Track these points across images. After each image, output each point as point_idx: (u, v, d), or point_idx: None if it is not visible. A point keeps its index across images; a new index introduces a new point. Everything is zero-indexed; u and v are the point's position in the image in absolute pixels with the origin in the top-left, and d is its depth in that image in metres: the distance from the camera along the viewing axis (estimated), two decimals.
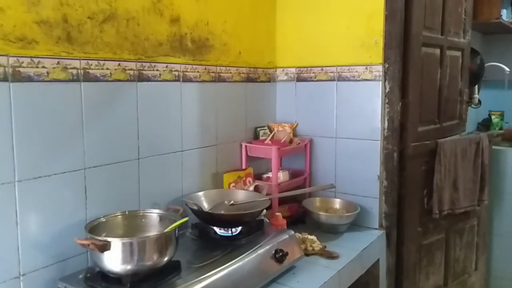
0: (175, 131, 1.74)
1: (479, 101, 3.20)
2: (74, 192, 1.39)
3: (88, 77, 1.40)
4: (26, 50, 1.24)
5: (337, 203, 2.14)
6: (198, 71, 1.82)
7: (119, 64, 1.50)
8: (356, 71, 2.04)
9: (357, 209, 2.01)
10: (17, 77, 1.22)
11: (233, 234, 1.61)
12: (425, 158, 2.22)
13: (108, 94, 1.48)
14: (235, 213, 1.69)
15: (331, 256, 1.74)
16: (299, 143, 2.18)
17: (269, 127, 2.27)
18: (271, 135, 2.18)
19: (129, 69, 1.53)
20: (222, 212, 1.69)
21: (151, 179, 1.64)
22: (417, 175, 2.18)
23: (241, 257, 1.43)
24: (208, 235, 1.62)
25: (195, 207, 1.61)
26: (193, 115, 1.82)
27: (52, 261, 1.33)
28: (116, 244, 1.20)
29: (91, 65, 1.41)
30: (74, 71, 1.36)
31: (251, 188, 1.95)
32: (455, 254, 2.52)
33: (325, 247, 1.81)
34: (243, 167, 2.08)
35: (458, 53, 2.47)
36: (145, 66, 1.59)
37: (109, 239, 1.21)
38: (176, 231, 1.33)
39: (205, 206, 1.72)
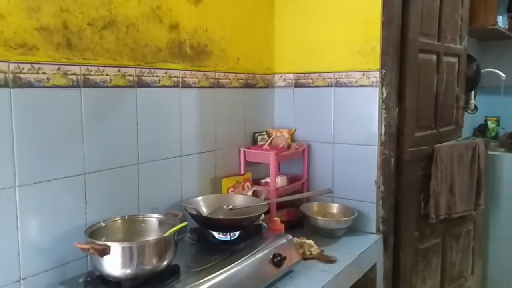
0: (174, 136, 1.75)
1: (475, 107, 3.23)
2: (74, 196, 1.39)
3: (88, 83, 1.41)
4: (27, 56, 1.25)
5: (334, 208, 2.16)
6: (197, 77, 1.83)
7: (118, 70, 1.51)
8: (354, 77, 2.06)
9: (355, 214, 2.02)
10: (18, 83, 1.23)
11: (232, 238, 1.62)
12: (422, 163, 2.23)
13: (108, 100, 1.49)
14: (233, 217, 1.70)
15: (329, 260, 1.75)
16: (297, 148, 2.19)
17: (267, 133, 2.29)
18: (269, 141, 2.19)
19: (129, 75, 1.55)
20: (221, 216, 1.70)
21: (150, 184, 1.65)
22: (414, 180, 2.19)
23: (239, 261, 1.44)
24: (207, 239, 1.63)
25: (194, 212, 1.61)
26: (192, 120, 1.83)
27: (52, 265, 1.34)
28: (116, 248, 1.21)
29: (91, 71, 1.42)
30: (74, 77, 1.37)
31: (250, 193, 1.96)
32: (452, 259, 2.53)
33: (323, 251, 1.82)
34: (242, 172, 2.09)
35: (455, 59, 2.49)
36: (144, 72, 1.60)
37: (108, 243, 1.22)
38: (175, 236, 1.34)
39: (204, 210, 1.73)
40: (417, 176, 2.22)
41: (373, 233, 2.06)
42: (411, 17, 2.04)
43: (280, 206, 2.08)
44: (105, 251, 1.19)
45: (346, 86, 2.08)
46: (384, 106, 2.02)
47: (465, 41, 2.57)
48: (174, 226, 1.34)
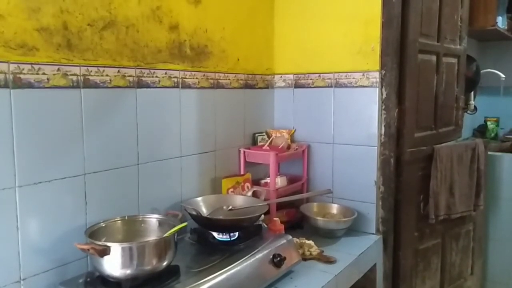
0: (174, 137, 1.76)
1: (475, 107, 3.23)
2: (74, 197, 1.40)
3: (88, 84, 1.41)
4: (27, 57, 1.25)
5: (334, 208, 2.16)
6: (197, 78, 1.84)
7: (118, 71, 1.51)
8: (353, 78, 2.06)
9: (354, 214, 2.03)
10: (18, 83, 1.23)
11: (232, 239, 1.62)
12: (421, 164, 2.24)
13: (108, 101, 1.49)
14: (233, 218, 1.70)
15: (329, 260, 1.76)
16: (296, 149, 2.19)
17: (267, 133, 2.29)
18: (269, 141, 2.19)
19: (129, 76, 1.55)
20: (221, 217, 1.70)
21: (150, 185, 1.65)
22: (414, 181, 2.20)
23: (239, 261, 1.44)
24: (207, 240, 1.63)
25: (194, 212, 1.62)
26: (192, 121, 1.83)
27: (52, 265, 1.34)
28: (116, 248, 1.21)
29: (91, 71, 1.42)
30: (74, 78, 1.37)
31: (249, 193, 1.96)
32: (451, 259, 2.53)
33: (323, 251, 1.82)
34: (242, 172, 2.09)
35: (454, 60, 2.49)
36: (144, 73, 1.60)
37: (108, 243, 1.22)
38: (175, 236, 1.34)
39: (204, 211, 1.73)
40: (417, 176, 2.22)
41: (372, 234, 2.07)
42: (411, 17, 2.04)
43: (280, 206, 2.09)
44: (105, 251, 1.20)
45: (346, 86, 2.09)
46: (383, 107, 2.02)
47: (465, 41, 2.57)
48: (174, 226, 1.35)
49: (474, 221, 2.68)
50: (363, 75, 2.03)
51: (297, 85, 2.25)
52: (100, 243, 1.23)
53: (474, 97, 3.25)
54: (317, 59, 2.17)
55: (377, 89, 2.00)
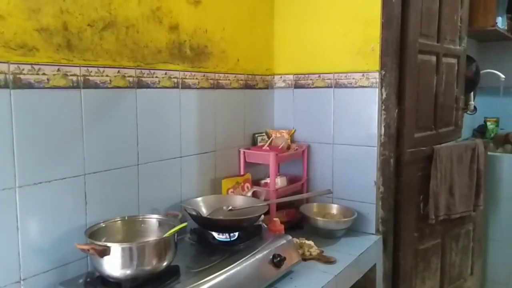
0: (174, 137, 1.76)
1: (475, 108, 3.23)
2: (74, 197, 1.40)
3: (88, 84, 1.41)
4: (27, 57, 1.25)
5: (334, 209, 2.16)
6: (196, 78, 1.84)
7: (118, 71, 1.51)
8: (353, 78, 2.06)
9: (354, 215, 2.03)
10: (18, 84, 1.23)
11: (231, 239, 1.62)
12: (421, 164, 2.24)
13: (108, 101, 1.49)
14: (233, 218, 1.70)
15: (328, 261, 1.76)
16: (296, 149, 2.19)
17: (267, 134, 2.29)
18: (269, 141, 2.19)
19: (129, 76, 1.55)
20: (221, 217, 1.70)
21: (150, 185, 1.65)
22: (414, 181, 2.20)
23: (239, 262, 1.44)
24: (207, 240, 1.63)
25: (194, 213, 1.62)
26: (191, 121, 1.84)
27: (52, 266, 1.34)
28: (116, 249, 1.21)
29: (91, 72, 1.42)
30: (74, 78, 1.37)
31: (249, 193, 1.96)
32: (451, 259, 2.53)
33: (323, 252, 1.82)
34: (241, 173, 2.09)
35: (454, 60, 2.49)
36: (144, 73, 1.60)
37: (108, 244, 1.22)
38: (175, 236, 1.35)
39: (204, 211, 1.73)
40: (417, 177, 2.22)
41: (372, 234, 2.07)
42: (411, 18, 2.04)
43: (280, 207, 2.09)
44: (105, 251, 1.20)
45: (346, 87, 2.09)
46: (383, 107, 2.02)
47: (465, 42, 2.58)
48: (174, 226, 1.35)
49: (474, 221, 2.68)
50: (363, 75, 2.03)
51: (297, 86, 2.25)
52: (100, 243, 1.23)
53: (474, 97, 3.26)
54: (317, 60, 2.17)
55: (377, 89, 2.00)
